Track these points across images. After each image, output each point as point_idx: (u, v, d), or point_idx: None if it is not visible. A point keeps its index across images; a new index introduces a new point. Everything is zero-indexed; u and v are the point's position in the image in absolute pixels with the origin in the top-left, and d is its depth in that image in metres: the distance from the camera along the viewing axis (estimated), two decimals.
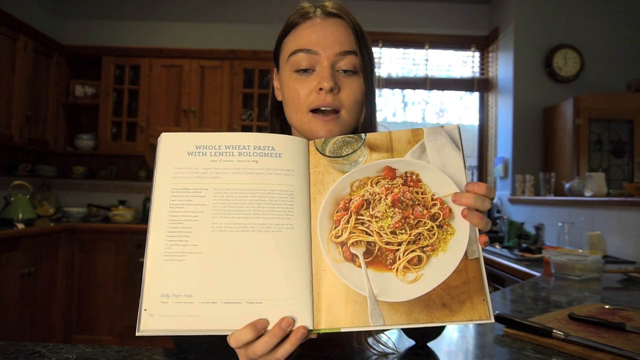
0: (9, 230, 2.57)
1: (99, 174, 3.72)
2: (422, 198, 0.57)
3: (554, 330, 0.81)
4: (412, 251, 0.55)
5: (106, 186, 3.78)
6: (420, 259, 0.54)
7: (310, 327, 0.51)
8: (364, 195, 0.57)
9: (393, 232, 0.55)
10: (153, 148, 3.58)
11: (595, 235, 2.26)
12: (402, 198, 0.56)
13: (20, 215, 2.93)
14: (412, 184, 0.57)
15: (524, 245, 2.57)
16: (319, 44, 0.70)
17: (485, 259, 2.35)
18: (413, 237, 0.55)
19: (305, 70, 0.71)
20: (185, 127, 3.42)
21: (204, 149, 0.57)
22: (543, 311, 1.08)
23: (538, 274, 1.75)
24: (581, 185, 2.62)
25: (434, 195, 0.57)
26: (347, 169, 0.59)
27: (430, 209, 0.56)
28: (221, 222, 0.53)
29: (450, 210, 0.56)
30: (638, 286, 1.52)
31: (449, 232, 0.55)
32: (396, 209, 0.56)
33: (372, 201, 0.57)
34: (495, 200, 3.55)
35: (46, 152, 3.51)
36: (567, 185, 2.73)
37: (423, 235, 0.55)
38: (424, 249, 0.55)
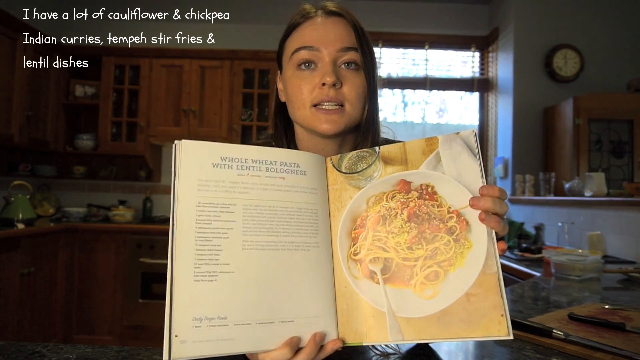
0: (9, 230, 2.56)
1: (99, 174, 3.72)
2: (439, 211, 0.55)
3: (554, 330, 0.81)
4: (429, 267, 0.54)
5: (106, 186, 3.78)
6: (437, 275, 0.53)
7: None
8: (379, 211, 0.57)
9: (409, 248, 0.55)
10: (153, 148, 3.58)
11: (595, 235, 2.26)
12: (417, 212, 0.56)
13: (20, 215, 2.93)
14: (427, 196, 0.56)
15: (524, 245, 2.57)
16: (321, 41, 0.72)
17: None
18: (430, 252, 0.54)
19: (307, 66, 0.72)
20: (185, 127, 3.42)
21: (230, 162, 0.55)
22: (543, 311, 1.08)
23: (538, 274, 1.75)
24: (581, 185, 2.62)
25: (450, 207, 0.55)
26: (363, 184, 0.58)
27: (447, 222, 0.55)
28: (252, 239, 0.52)
29: (467, 222, 0.54)
30: (638, 286, 1.52)
31: (466, 246, 0.53)
32: (412, 223, 0.55)
33: (388, 217, 0.56)
34: None
35: (46, 152, 3.51)
36: (567, 185, 2.73)
37: (440, 250, 0.54)
38: (441, 263, 0.53)
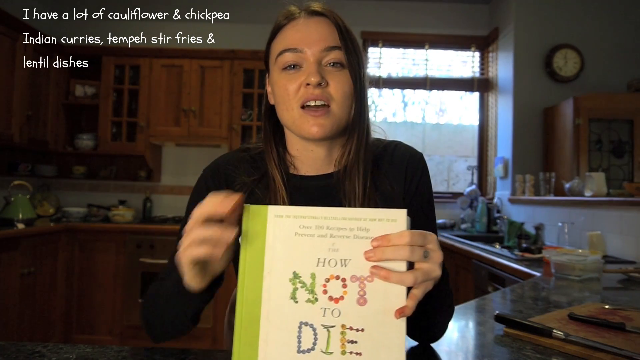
0: (9, 230, 2.56)
1: (99, 174, 3.71)
2: None
3: (554, 330, 0.81)
4: None
5: (106, 186, 3.78)
6: None
7: None
8: None
9: None
10: (153, 148, 3.58)
11: (595, 235, 2.26)
12: None
13: (20, 215, 2.93)
14: None
15: (524, 245, 2.56)
16: (304, 42, 0.72)
17: (485, 258, 2.36)
18: None
19: (292, 67, 0.73)
20: (185, 127, 3.42)
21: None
22: (543, 311, 1.08)
23: (538, 274, 1.75)
24: (581, 185, 2.62)
25: None
26: None
27: None
28: None
29: None
30: (638, 286, 1.52)
31: None
32: None
33: None
34: (495, 200, 3.55)
35: (46, 152, 3.51)
36: (567, 185, 2.73)
37: None
38: None
